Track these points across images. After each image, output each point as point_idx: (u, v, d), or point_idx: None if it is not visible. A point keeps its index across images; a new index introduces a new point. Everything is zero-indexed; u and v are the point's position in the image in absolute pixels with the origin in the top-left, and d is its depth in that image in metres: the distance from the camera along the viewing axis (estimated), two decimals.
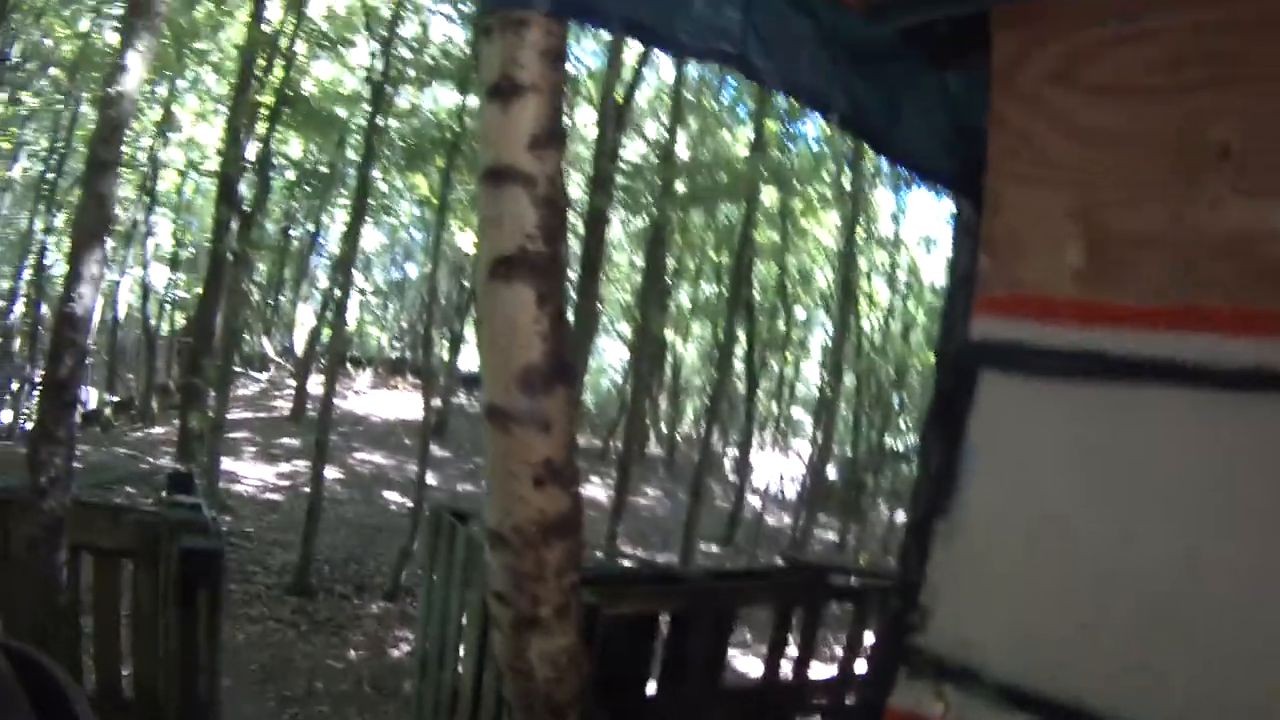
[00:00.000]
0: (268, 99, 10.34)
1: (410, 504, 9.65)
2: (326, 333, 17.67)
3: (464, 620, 3.97)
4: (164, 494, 4.17)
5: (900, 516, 20.17)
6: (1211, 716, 1.73)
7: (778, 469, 20.70)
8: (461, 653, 3.96)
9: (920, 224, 23.73)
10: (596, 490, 13.61)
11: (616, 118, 11.12)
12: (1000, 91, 2.15)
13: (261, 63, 10.01)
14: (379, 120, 10.29)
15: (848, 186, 15.11)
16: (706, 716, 3.78)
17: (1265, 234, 1.74)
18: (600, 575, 4.30)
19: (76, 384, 3.46)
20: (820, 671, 4.37)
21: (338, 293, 14.98)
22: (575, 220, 13.81)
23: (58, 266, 17.37)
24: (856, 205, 15.07)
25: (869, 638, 4.28)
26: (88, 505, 3.43)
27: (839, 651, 4.70)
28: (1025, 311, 2.03)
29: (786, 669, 4.12)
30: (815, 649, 4.19)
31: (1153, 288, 1.87)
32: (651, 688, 3.70)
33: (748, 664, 5.56)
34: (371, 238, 21.95)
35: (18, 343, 15.95)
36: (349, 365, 19.49)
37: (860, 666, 4.26)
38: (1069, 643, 1.91)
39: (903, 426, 22.14)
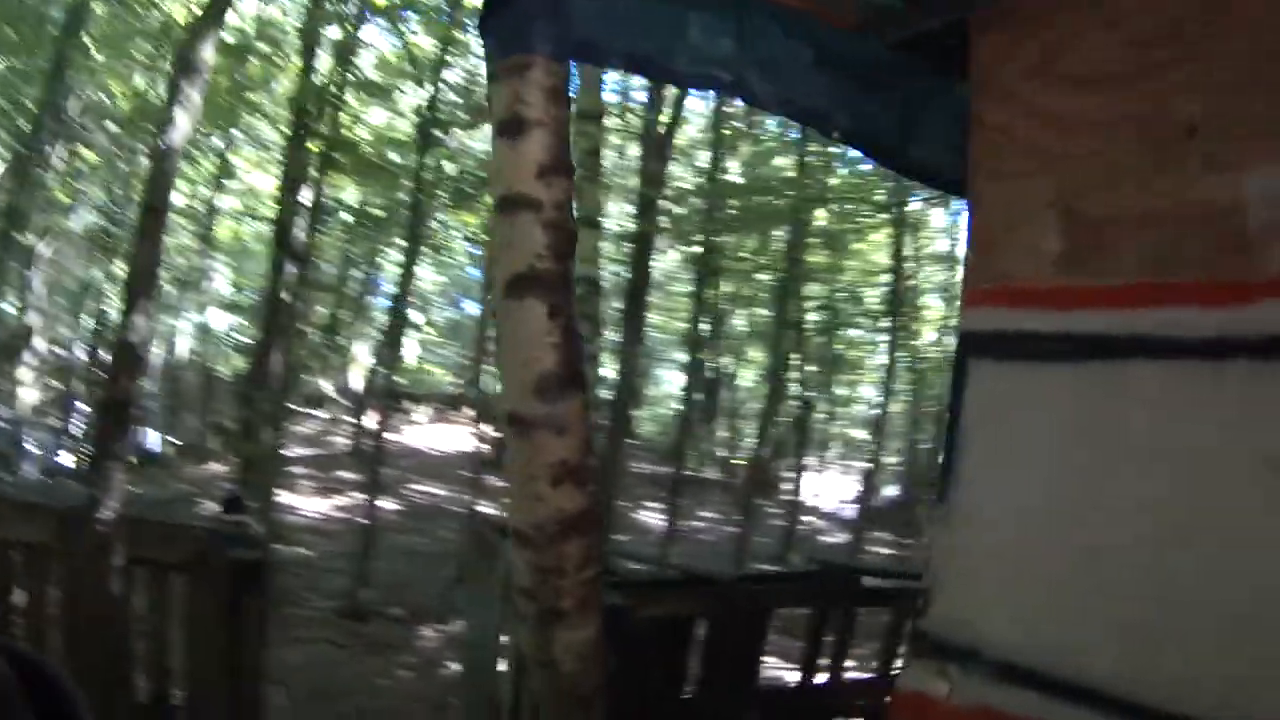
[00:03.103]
0: (320, 146, 10.74)
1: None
2: (383, 370, 18.11)
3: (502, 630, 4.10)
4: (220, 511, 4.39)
5: None
6: (1203, 685, 1.77)
7: (834, 488, 20.51)
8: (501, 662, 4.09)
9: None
10: (653, 515, 13.67)
11: (659, 147, 11.37)
12: (980, 92, 2.25)
13: (313, 112, 10.40)
14: (428, 162, 10.66)
15: (896, 203, 15.03)
16: (741, 719, 3.84)
17: (1233, 207, 1.80)
18: (632, 578, 4.39)
19: (132, 403, 3.70)
20: (856, 674, 4.38)
21: (393, 334, 15.44)
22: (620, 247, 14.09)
23: (114, 314, 18.11)
24: (904, 223, 15.00)
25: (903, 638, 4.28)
26: (142, 521, 3.62)
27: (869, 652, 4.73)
28: (1011, 300, 2.12)
29: (821, 671, 4.16)
30: (849, 650, 4.22)
31: (1129, 268, 1.95)
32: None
33: (782, 668, 5.57)
34: (431, 278, 22.46)
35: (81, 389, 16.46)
36: (408, 401, 19.86)
37: (896, 667, 4.27)
38: (1064, 618, 1.97)
39: None
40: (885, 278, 17.72)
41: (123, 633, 3.08)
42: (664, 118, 11.53)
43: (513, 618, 3.69)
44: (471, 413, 20.52)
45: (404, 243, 13.07)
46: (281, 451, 10.71)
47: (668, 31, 2.41)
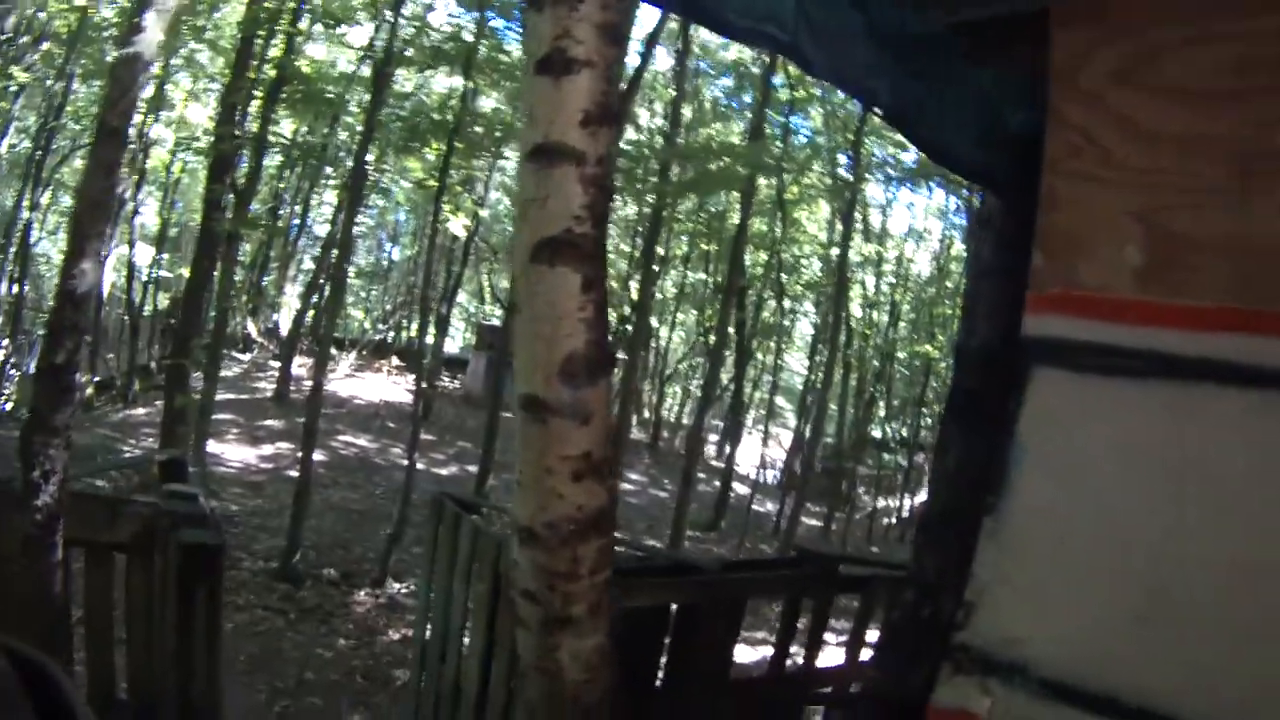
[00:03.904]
0: (265, 76, 10.14)
1: (397, 489, 9.52)
2: (311, 314, 17.52)
3: (469, 612, 3.92)
4: (159, 482, 4.02)
5: (882, 503, 20.40)
6: (1260, 713, 1.73)
7: (759, 455, 20.76)
8: (466, 645, 3.91)
9: (906, 218, 23.68)
10: None
11: (620, 105, 11.06)
12: (1061, 89, 2.11)
13: (259, 40, 9.79)
14: (380, 102, 10.19)
15: (845, 177, 15.04)
16: (715, 708, 3.74)
17: None
18: (619, 567, 4.23)
19: (75, 369, 3.19)
20: (824, 660, 4.33)
21: (324, 277, 14.85)
22: None
23: (41, 244, 17.11)
24: (854, 197, 15.01)
25: (873, 627, 4.26)
26: (82, 497, 3.26)
27: (833, 639, 4.71)
28: (1082, 310, 2.00)
29: (793, 659, 4.11)
30: (823, 640, 4.16)
31: (1214, 290, 1.86)
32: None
33: (745, 654, 5.52)
34: (357, 219, 21.76)
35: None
36: (332, 347, 19.32)
37: (865, 656, 4.25)
38: (1119, 638, 1.90)
39: (884, 415, 22.43)
40: (822, 250, 17.93)
41: (61, 621, 2.78)
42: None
43: (510, 619, 3.52)
44: (398, 362, 20.15)
45: (337, 183, 12.54)
46: (213, 399, 10.23)
47: None
